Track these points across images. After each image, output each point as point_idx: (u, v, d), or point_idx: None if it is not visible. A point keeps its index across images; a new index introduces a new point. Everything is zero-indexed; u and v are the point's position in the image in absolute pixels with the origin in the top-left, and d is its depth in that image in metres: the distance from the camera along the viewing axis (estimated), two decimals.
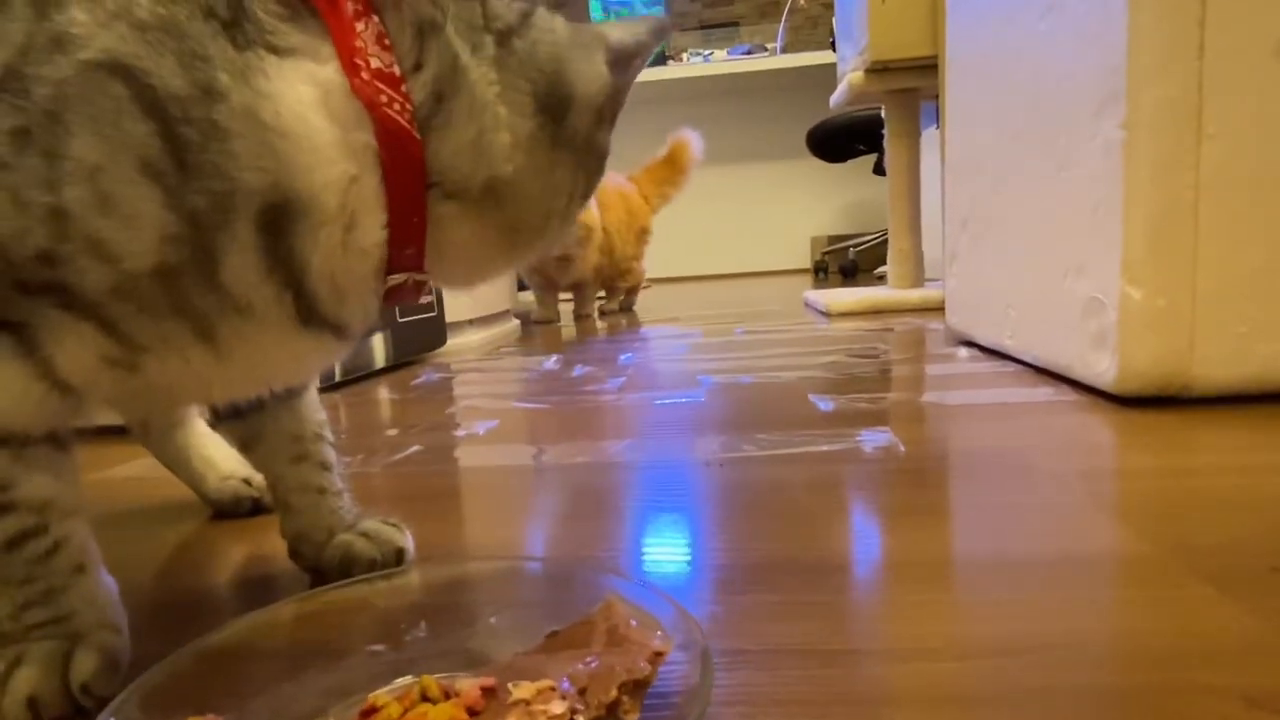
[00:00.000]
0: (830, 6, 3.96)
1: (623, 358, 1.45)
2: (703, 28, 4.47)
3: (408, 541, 0.49)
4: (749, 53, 4.23)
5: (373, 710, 0.29)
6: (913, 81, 1.84)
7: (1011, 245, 1.06)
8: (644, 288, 2.85)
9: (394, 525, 0.50)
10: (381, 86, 0.33)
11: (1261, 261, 0.75)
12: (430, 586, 0.41)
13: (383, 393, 1.24)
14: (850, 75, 1.90)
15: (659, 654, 0.31)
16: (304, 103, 0.32)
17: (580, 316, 2.42)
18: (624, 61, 0.39)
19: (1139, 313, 0.77)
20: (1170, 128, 0.74)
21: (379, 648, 0.36)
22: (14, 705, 0.34)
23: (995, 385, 0.95)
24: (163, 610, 0.48)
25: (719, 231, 4.61)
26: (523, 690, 0.29)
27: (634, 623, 0.33)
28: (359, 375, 1.38)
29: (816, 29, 4.37)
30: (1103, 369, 0.82)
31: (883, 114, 2.02)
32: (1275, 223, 0.74)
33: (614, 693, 0.29)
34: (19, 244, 0.31)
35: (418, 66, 0.34)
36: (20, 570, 0.36)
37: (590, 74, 0.38)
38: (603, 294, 2.57)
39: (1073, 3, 0.85)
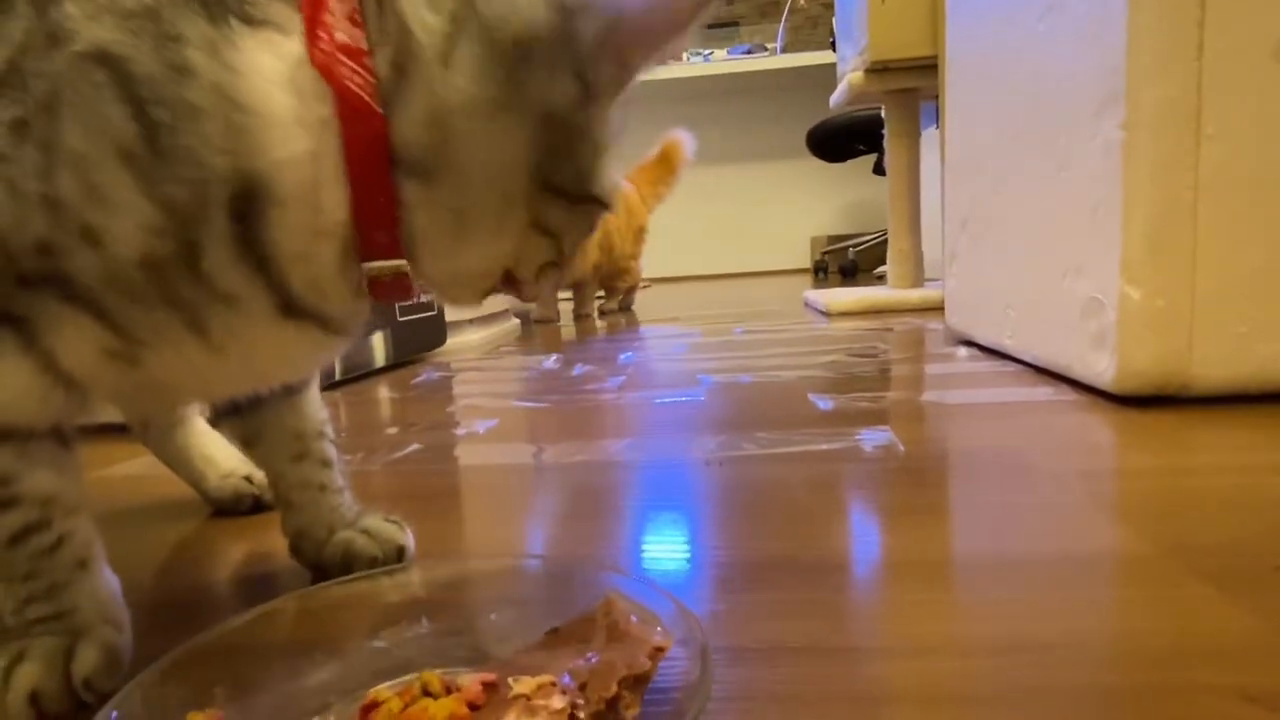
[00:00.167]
0: (830, 6, 3.96)
1: (622, 357, 1.45)
2: (703, 27, 4.47)
3: (408, 539, 0.50)
4: (749, 52, 4.23)
5: (374, 705, 0.29)
6: (913, 81, 1.84)
7: (1011, 245, 1.07)
8: (644, 287, 2.86)
9: (395, 523, 0.50)
10: (343, 59, 0.32)
11: (1260, 262, 0.75)
12: (431, 583, 0.41)
13: (383, 391, 1.24)
14: (850, 75, 1.90)
15: (659, 649, 0.31)
16: (267, 75, 0.32)
17: (580, 316, 2.42)
18: (576, 9, 0.34)
19: (1138, 313, 0.77)
20: (1170, 128, 0.75)
21: (380, 644, 0.36)
22: (16, 700, 0.34)
23: (995, 385, 0.95)
24: (164, 608, 0.48)
25: (718, 231, 4.61)
26: (523, 685, 0.29)
27: (634, 619, 0.33)
28: (359, 374, 1.38)
29: (816, 29, 4.37)
30: (1102, 369, 0.82)
31: (883, 114, 2.02)
32: (1274, 223, 0.74)
33: (614, 688, 0.29)
34: (18, 235, 0.31)
35: (383, 41, 0.33)
36: (23, 565, 0.36)
37: (527, 12, 0.33)
38: (601, 294, 2.57)
39: (1072, 3, 0.85)
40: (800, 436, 0.76)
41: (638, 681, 0.30)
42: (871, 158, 3.65)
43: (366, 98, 0.33)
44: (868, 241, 3.92)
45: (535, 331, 2.11)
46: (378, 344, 1.40)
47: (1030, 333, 1.02)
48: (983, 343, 1.20)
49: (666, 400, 1.01)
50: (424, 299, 1.39)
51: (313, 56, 0.32)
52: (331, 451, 0.50)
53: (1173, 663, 0.34)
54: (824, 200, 4.58)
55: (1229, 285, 0.75)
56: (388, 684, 0.33)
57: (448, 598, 0.41)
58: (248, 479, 0.65)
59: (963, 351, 1.21)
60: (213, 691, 0.31)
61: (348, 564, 0.48)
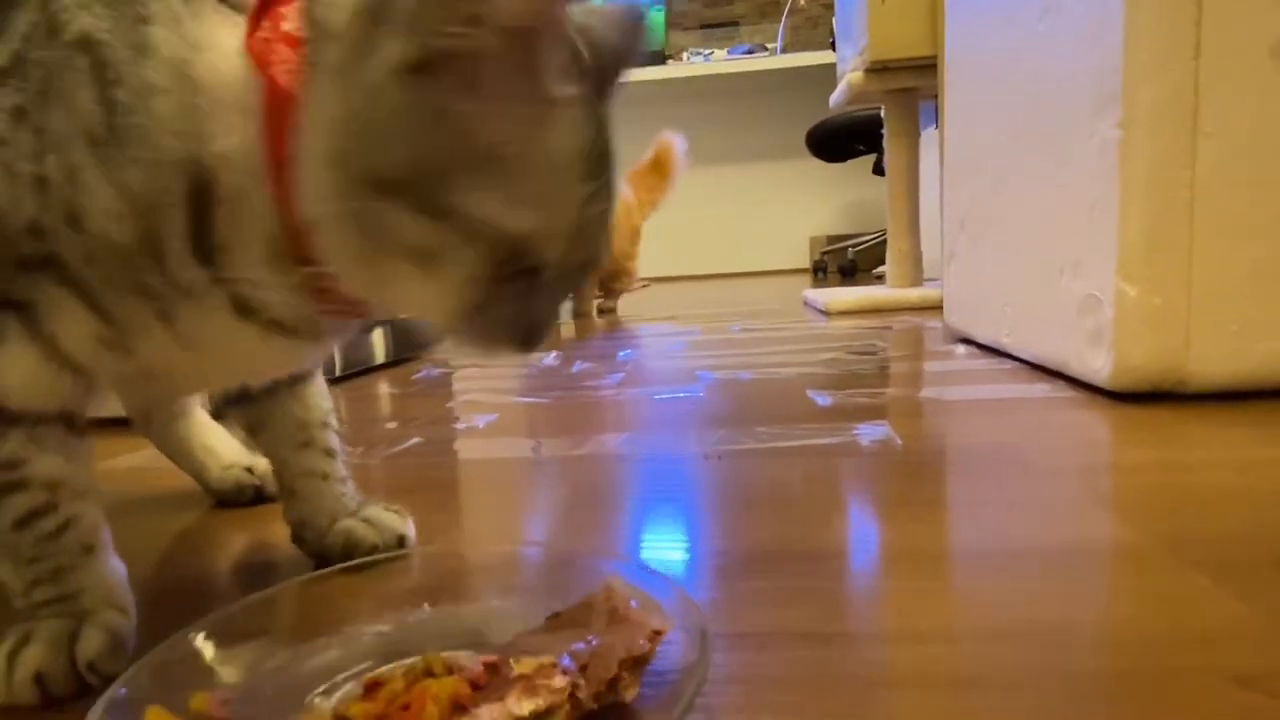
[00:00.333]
0: (830, 6, 3.95)
1: (622, 354, 1.46)
2: (703, 27, 4.47)
3: (409, 528, 0.50)
4: (749, 52, 4.23)
5: (377, 684, 0.30)
6: (912, 81, 1.84)
7: (1009, 244, 1.07)
8: (642, 287, 2.85)
9: (396, 512, 0.51)
10: (278, 46, 0.31)
11: (1257, 259, 0.75)
12: (432, 570, 0.42)
13: (383, 387, 1.25)
14: (850, 75, 1.91)
15: (658, 632, 0.31)
16: (224, 52, 0.32)
17: (579, 314, 2.43)
18: None
19: (1135, 310, 0.78)
20: (1167, 127, 0.75)
21: (383, 628, 0.37)
22: (21, 682, 0.35)
23: (992, 381, 0.96)
24: (167, 597, 0.49)
25: (718, 231, 4.61)
26: (524, 666, 0.29)
27: (634, 604, 0.33)
28: (360, 370, 1.38)
29: (816, 29, 4.37)
30: (1099, 365, 0.82)
31: (882, 114, 2.03)
32: (1270, 221, 0.75)
33: (614, 669, 0.29)
34: (14, 216, 0.32)
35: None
36: (29, 548, 0.36)
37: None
38: (599, 293, 2.58)
39: (1071, 3, 0.86)
40: (799, 431, 0.77)
41: (637, 663, 0.30)
42: (871, 158, 3.65)
43: (290, 87, 0.31)
44: (867, 241, 3.92)
45: None
46: (378, 341, 1.41)
47: (1028, 330, 1.02)
48: (981, 340, 1.20)
49: (666, 396, 1.01)
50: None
51: (248, 44, 0.32)
52: (335, 441, 0.51)
53: (1166, 648, 0.34)
54: (823, 200, 4.58)
55: (1225, 283, 0.76)
56: (390, 665, 0.33)
57: (449, 584, 0.41)
58: (249, 470, 0.65)
59: (961, 349, 1.22)
60: (218, 672, 0.32)
61: (349, 551, 0.48)
